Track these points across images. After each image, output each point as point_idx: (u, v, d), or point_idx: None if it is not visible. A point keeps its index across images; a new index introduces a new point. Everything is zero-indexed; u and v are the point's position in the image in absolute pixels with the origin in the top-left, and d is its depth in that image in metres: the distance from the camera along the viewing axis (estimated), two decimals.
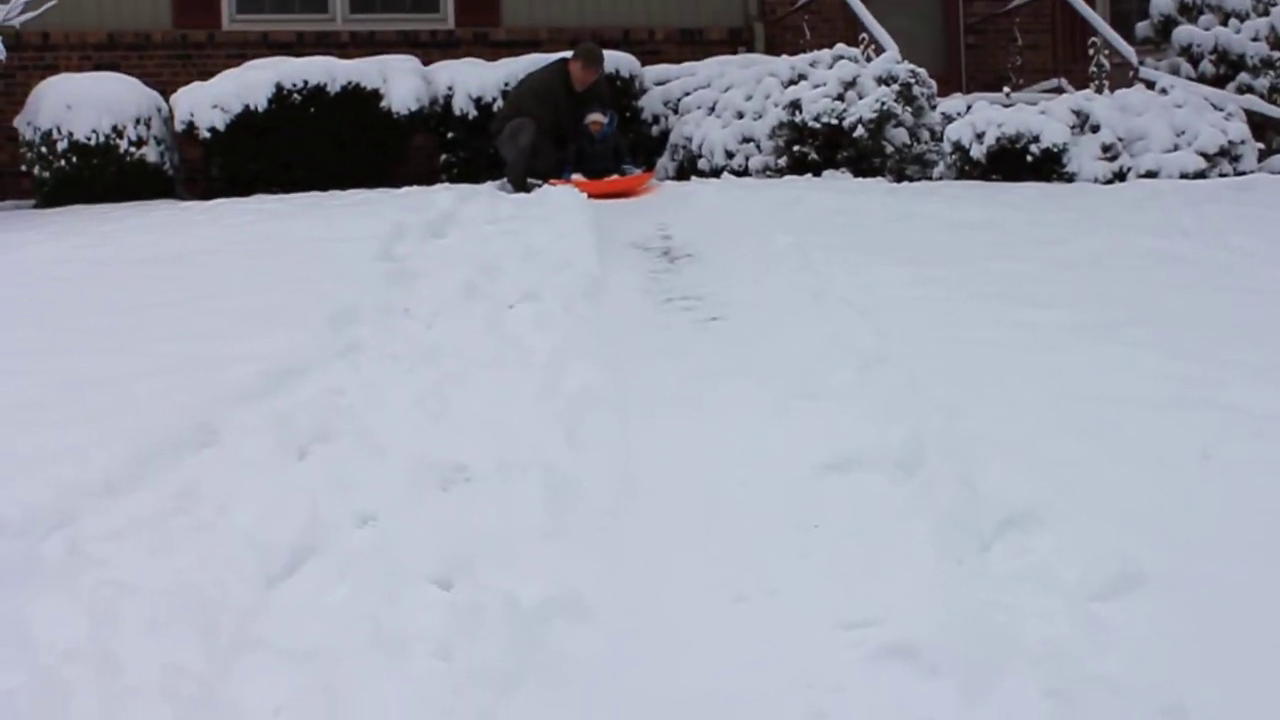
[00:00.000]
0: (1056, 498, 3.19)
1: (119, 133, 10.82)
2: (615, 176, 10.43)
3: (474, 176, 11.17)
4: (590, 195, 8.91)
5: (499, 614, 2.70)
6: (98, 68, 12.08)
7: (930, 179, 10.38)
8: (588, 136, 10.58)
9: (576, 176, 10.20)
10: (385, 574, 2.99)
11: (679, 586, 3.12)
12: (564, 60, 10.77)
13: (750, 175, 10.69)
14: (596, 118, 10.59)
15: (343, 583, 3.02)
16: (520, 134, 10.26)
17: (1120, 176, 10.06)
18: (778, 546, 3.31)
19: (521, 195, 9.42)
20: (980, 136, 10.20)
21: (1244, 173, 10.30)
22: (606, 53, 11.76)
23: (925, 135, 10.73)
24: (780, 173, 10.55)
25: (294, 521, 3.27)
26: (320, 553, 3.19)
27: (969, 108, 10.67)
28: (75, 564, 3.04)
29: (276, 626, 2.83)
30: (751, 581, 3.11)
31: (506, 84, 11.42)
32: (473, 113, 11.55)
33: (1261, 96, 12.48)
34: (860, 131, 10.31)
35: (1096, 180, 9.94)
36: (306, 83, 11.04)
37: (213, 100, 10.93)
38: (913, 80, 10.67)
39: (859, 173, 10.32)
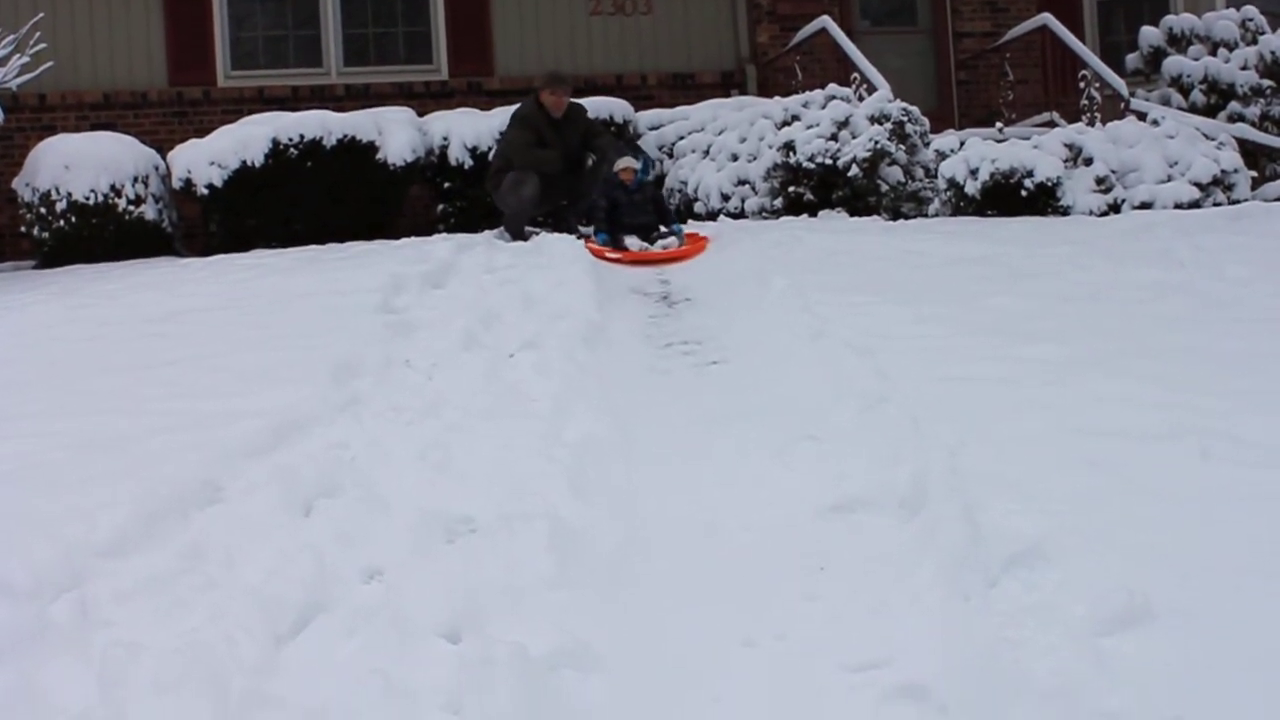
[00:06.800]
0: (1061, 533, 3.19)
1: (117, 191, 10.87)
2: (672, 241, 9.16)
3: (471, 225, 11.20)
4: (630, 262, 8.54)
5: (508, 666, 2.70)
6: (95, 127, 12.17)
7: (926, 216, 10.39)
8: (621, 187, 9.56)
9: (619, 244, 9.24)
10: (394, 628, 3.00)
11: (687, 633, 3.12)
12: (535, 94, 10.60)
13: (747, 217, 10.69)
14: (628, 164, 9.60)
15: (352, 638, 3.02)
16: (523, 185, 10.06)
17: (1115, 209, 10.08)
18: (784, 590, 3.32)
19: (519, 244, 9.41)
20: (974, 172, 10.22)
21: (1237, 201, 10.32)
22: (600, 99, 11.85)
23: (919, 173, 10.76)
24: (776, 214, 10.55)
25: (302, 577, 3.28)
26: (328, 608, 3.20)
27: (962, 144, 10.69)
28: (85, 626, 3.04)
29: (287, 684, 2.83)
30: (759, 626, 3.12)
31: (501, 133, 11.44)
32: (468, 162, 11.58)
33: (1253, 124, 12.55)
34: (855, 171, 10.34)
35: (1091, 213, 9.96)
36: (303, 137, 11.07)
37: (210, 157, 10.97)
38: (905, 118, 10.70)
39: (855, 212, 10.34)
